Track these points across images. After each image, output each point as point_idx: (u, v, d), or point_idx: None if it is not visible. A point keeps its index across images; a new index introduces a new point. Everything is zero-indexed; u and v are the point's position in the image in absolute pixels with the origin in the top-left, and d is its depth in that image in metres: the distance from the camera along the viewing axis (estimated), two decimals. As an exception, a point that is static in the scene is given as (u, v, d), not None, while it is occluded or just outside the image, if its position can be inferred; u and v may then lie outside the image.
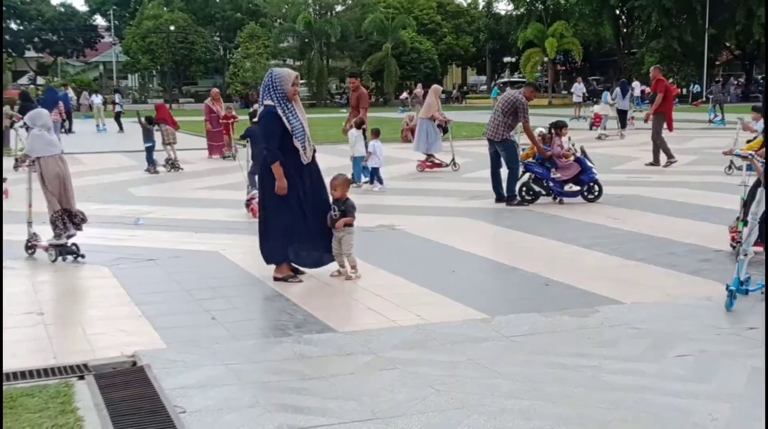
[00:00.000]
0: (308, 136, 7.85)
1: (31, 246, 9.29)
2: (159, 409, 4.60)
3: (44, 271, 8.35)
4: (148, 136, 18.63)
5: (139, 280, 7.99)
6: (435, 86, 19.45)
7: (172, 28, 65.79)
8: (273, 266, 7.95)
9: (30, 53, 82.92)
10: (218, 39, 74.99)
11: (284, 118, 7.65)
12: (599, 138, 25.79)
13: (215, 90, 23.26)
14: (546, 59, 61.10)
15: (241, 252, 9.27)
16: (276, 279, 7.81)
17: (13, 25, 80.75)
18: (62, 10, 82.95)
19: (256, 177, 10.43)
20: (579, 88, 38.63)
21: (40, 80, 74.40)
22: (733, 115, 23.36)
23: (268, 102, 7.73)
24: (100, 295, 7.43)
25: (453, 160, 17.71)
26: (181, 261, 8.91)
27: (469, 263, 8.84)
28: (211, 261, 8.94)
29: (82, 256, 8.99)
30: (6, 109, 24.56)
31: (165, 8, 68.86)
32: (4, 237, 10.29)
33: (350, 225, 7.94)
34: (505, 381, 5.01)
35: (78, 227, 9.26)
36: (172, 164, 18.63)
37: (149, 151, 18.57)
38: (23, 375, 5.22)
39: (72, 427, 4.37)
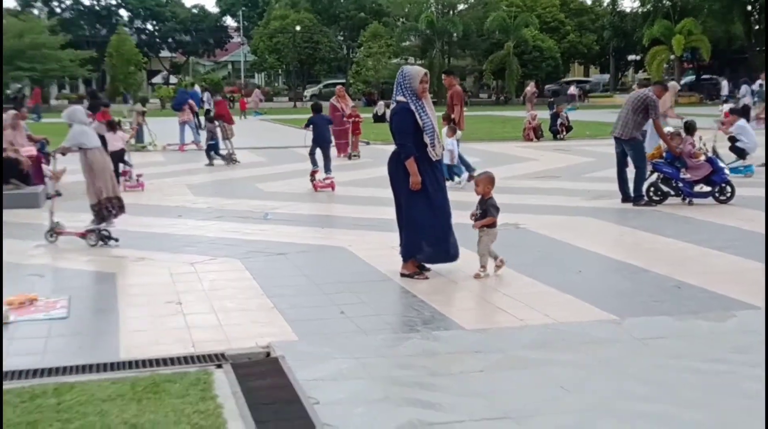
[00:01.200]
0: (437, 133, 7.92)
1: (53, 233, 9.89)
2: (294, 400, 4.73)
3: (180, 263, 8.66)
4: (212, 134, 19.83)
5: (270, 274, 8.21)
6: (672, 83, 19.12)
7: (297, 28, 66.96)
8: (398, 263, 8.05)
9: (164, 53, 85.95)
10: (342, 38, 75.92)
11: (416, 115, 7.74)
12: None
13: (340, 87, 22.96)
14: (672, 57, 59.32)
15: (366, 248, 9.40)
16: (403, 275, 7.89)
17: (149, 26, 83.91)
18: (195, 11, 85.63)
19: (316, 155, 15.35)
20: (726, 86, 36.62)
21: (173, 79, 76.96)
22: None
23: (401, 98, 7.85)
24: (233, 287, 7.66)
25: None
26: (309, 255, 9.10)
27: (596, 263, 8.72)
28: (338, 256, 9.10)
29: (116, 240, 9.72)
30: (137, 106, 25.57)
31: (291, 9, 70.10)
32: (147, 229, 10.79)
33: (491, 226, 7.96)
34: (638, 384, 4.93)
35: (118, 213, 9.99)
36: (230, 158, 19.75)
37: (214, 147, 19.65)
38: (165, 362, 5.45)
39: (212, 414, 4.54)
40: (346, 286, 7.64)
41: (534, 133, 25.98)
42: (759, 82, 33.40)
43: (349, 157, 20.61)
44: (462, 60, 68.59)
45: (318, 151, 15.58)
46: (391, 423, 4.43)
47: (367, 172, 17.40)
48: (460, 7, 68.53)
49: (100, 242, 9.66)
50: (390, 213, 11.39)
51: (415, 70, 8.05)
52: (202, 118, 25.46)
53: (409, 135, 7.77)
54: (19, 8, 70.42)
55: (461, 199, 10.73)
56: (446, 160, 14.77)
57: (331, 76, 76.61)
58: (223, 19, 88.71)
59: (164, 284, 7.79)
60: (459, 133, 15.15)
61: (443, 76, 18.78)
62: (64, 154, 10.12)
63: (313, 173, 14.81)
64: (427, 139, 7.80)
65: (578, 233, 10.19)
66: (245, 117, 43.22)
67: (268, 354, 5.63)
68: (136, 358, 5.54)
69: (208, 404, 4.67)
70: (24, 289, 7.38)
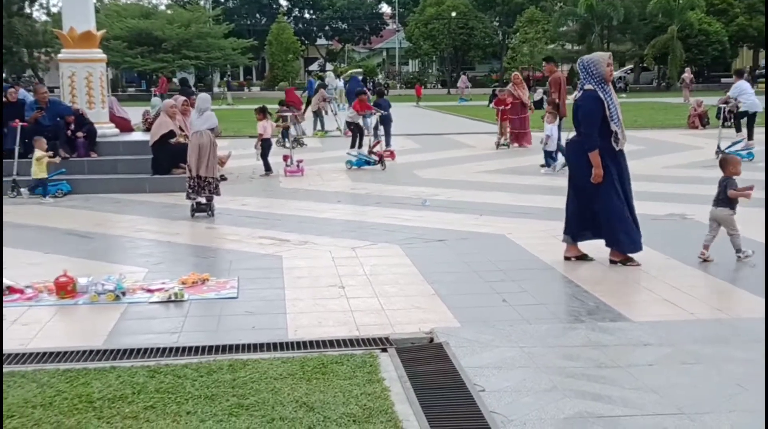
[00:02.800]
0: (621, 121, 7.71)
1: (193, 210, 11.01)
2: (459, 386, 4.73)
3: (341, 248, 8.81)
4: (285, 119, 20.06)
5: (429, 260, 8.24)
6: None
7: (453, 14, 66.88)
8: (560, 251, 7.92)
9: (321, 41, 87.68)
10: (497, 24, 75.26)
11: (605, 102, 7.57)
12: None
13: (516, 74, 21.87)
14: None
15: (527, 235, 9.30)
16: (612, 262, 7.82)
17: (307, 15, 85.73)
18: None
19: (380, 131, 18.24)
20: None
21: (329, 66, 78.44)
22: None
23: (588, 86, 7.68)
24: (394, 273, 7.72)
25: None
26: (468, 242, 9.07)
27: (772, 258, 8.28)
28: (498, 243, 9.03)
29: (211, 214, 10.84)
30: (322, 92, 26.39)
31: (447, -5, 70.09)
32: (308, 213, 11.06)
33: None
34: (823, 385, 4.66)
35: (211, 193, 10.92)
36: (298, 141, 20.98)
37: (284, 131, 19.65)
38: (331, 343, 5.57)
39: (379, 396, 4.60)
40: (507, 274, 7.58)
41: (699, 120, 24.95)
42: None
43: (497, 146, 19.80)
44: (622, 45, 66.64)
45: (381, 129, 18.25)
46: (559, 414, 4.36)
47: (524, 160, 17.19)
48: (621, -10, 66.63)
49: (193, 214, 10.85)
50: (549, 201, 11.28)
51: (599, 55, 7.86)
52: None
53: (596, 125, 7.58)
54: (186, -1, 73.49)
55: (554, 184, 10.42)
56: (546, 147, 14.72)
57: (485, 63, 76.17)
58: (379, 6, 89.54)
59: (326, 268, 7.95)
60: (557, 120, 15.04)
61: (543, 63, 18.22)
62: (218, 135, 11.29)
63: (375, 144, 17.15)
64: (614, 127, 7.61)
65: (750, 225, 9.68)
66: (418, 104, 43.82)
67: (431, 340, 5.66)
68: (304, 338, 5.68)
69: (375, 387, 4.74)
70: (196, 269, 7.71)
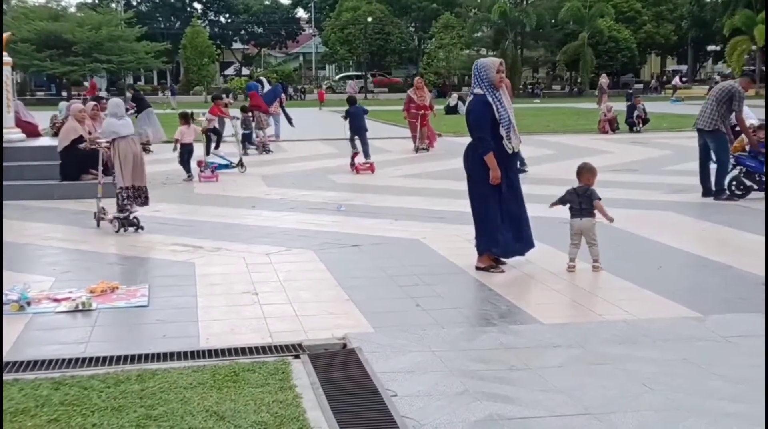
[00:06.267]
0: (514, 125, 7.81)
1: (98, 219, 10.39)
2: (372, 391, 4.72)
3: (255, 254, 8.73)
4: (245, 123, 20.24)
5: (344, 265, 8.22)
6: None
7: (369, 19, 67.16)
8: (474, 256, 7.99)
9: (236, 45, 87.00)
10: (413, 29, 75.84)
11: (494, 107, 7.65)
12: None
13: (419, 79, 22.72)
14: (754, 48, 57.76)
15: (441, 240, 9.36)
16: (478, 268, 7.83)
17: (222, 19, 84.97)
18: (267, 3, 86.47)
19: (356, 141, 16.58)
20: None
21: (245, 71, 77.89)
22: None
23: (478, 91, 7.77)
24: (308, 279, 7.68)
25: None
26: (383, 247, 9.09)
27: (677, 259, 8.53)
28: (412, 248, 9.07)
29: (142, 228, 10.06)
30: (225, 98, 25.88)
31: (363, 0, 70.30)
32: (222, 219, 10.91)
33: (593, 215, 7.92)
34: (725, 384, 4.80)
35: (143, 203, 10.34)
36: (264, 147, 20.53)
37: (247, 137, 20.04)
38: (243, 351, 5.49)
39: (291, 403, 4.56)
40: (421, 278, 7.61)
41: (609, 125, 25.59)
42: None
43: (416, 150, 20.35)
44: (535, 51, 68.01)
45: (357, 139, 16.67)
46: (470, 417, 4.39)
47: (440, 164, 17.33)
48: (534, -3, 67.93)
49: (122, 229, 9.99)
50: (464, 206, 11.36)
51: (490, 61, 7.96)
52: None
53: (487, 129, 7.67)
54: (97, 1, 72.00)
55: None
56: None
57: (401, 68, 76.64)
58: (295, 10, 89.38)
59: (240, 274, 7.86)
60: None
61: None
62: (97, 143, 10.64)
63: (353, 156, 16.23)
64: (502, 132, 7.70)
65: (658, 228, 9.98)
66: (321, 109, 43.93)
67: (345, 345, 5.63)
68: (216, 346, 5.60)
69: (287, 394, 4.69)
70: (105, 277, 7.53)
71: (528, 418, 4.37)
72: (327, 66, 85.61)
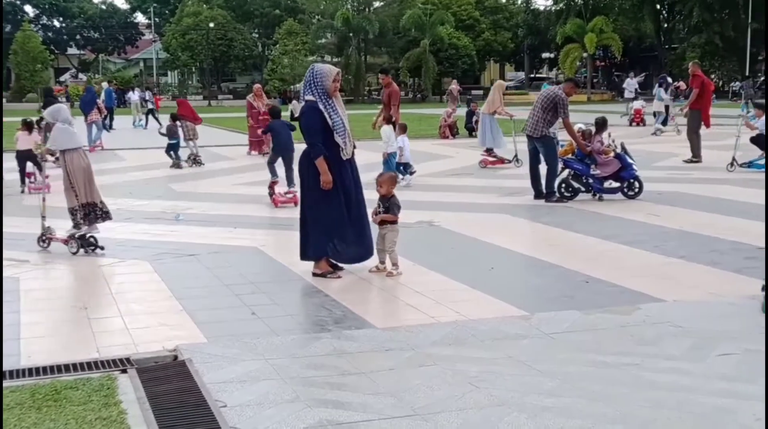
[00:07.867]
0: (349, 132, 7.86)
1: (45, 239, 9.41)
2: (200, 403, 4.64)
3: (86, 266, 8.44)
4: (172, 133, 19.05)
5: (180, 275, 8.07)
6: (498, 82, 19.47)
7: (211, 25, 66.13)
8: (311, 262, 7.98)
9: (72, 50, 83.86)
10: (257, 36, 75.26)
11: (326, 114, 7.67)
12: (655, 134, 25.46)
13: (257, 86, 22.77)
14: (585, 55, 60.53)
15: (279, 248, 9.32)
16: (315, 275, 7.83)
17: (56, 23, 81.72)
18: (104, 7, 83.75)
19: (276, 166, 13.59)
20: (632, 84, 37.32)
21: (82, 77, 75.19)
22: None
23: (310, 97, 7.76)
24: (142, 290, 7.49)
25: (516, 155, 17.45)
26: (221, 256, 8.96)
27: (508, 260, 8.81)
28: (250, 257, 8.99)
29: (101, 248, 9.13)
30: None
31: (205, 5, 69.23)
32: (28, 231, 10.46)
33: (393, 222, 7.96)
34: (545, 379, 4.99)
35: (103, 219, 9.44)
36: (194, 159, 19.08)
37: (174, 147, 18.94)
38: (67, 368, 5.29)
39: (115, 420, 4.42)
40: (258, 286, 7.55)
41: (450, 130, 26.18)
42: (674, 84, 33.17)
43: (263, 154, 20.00)
44: (378, 57, 68.74)
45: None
46: (300, 424, 4.38)
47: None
48: (376, 4, 68.79)
49: (82, 250, 9.09)
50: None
51: (328, 68, 7.96)
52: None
53: (318, 134, 7.69)
54: None
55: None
56: (401, 159, 14.72)
57: (246, 74, 75.90)
58: (134, 15, 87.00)
59: (68, 288, 7.61)
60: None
61: (381, 75, 18.77)
62: (52, 155, 9.69)
63: (272, 185, 12.93)
64: (338, 140, 7.73)
65: (491, 230, 10.28)
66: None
67: (176, 357, 5.52)
68: (37, 365, 5.36)
69: (111, 410, 4.55)
70: None
71: (357, 422, 4.40)
72: (169, 72, 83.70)
